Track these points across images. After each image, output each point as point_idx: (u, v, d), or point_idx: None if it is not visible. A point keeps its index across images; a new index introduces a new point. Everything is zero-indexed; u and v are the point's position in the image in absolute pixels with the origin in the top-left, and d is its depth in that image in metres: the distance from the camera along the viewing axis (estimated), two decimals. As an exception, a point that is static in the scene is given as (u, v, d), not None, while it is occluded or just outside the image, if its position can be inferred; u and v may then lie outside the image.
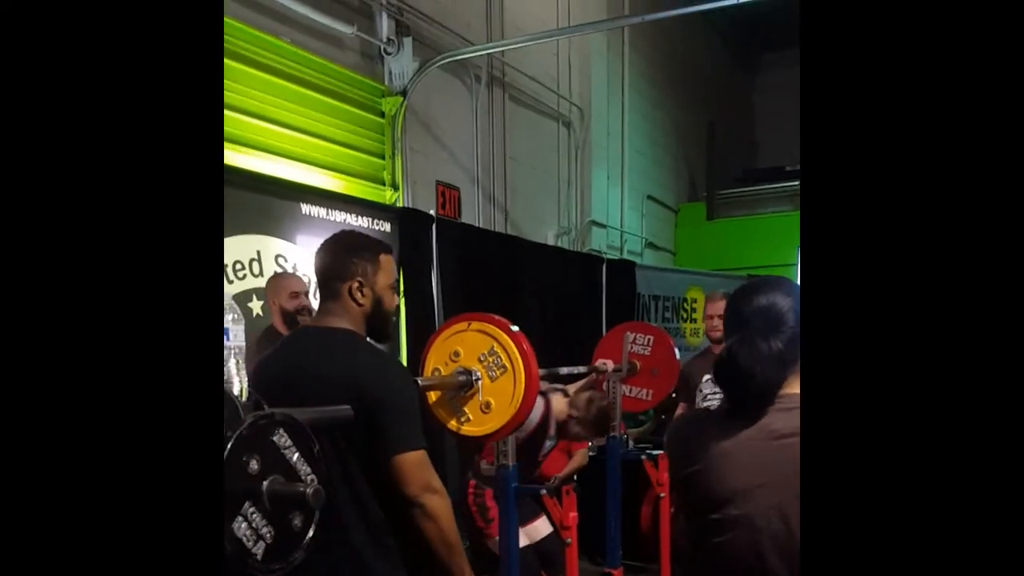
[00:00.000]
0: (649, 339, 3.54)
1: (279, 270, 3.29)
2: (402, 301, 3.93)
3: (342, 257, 1.72)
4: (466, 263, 4.22)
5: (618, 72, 6.58)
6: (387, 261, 1.76)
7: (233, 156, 3.26)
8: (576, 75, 5.91)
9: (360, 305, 1.72)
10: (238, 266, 3.18)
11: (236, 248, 3.16)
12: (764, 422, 1.21)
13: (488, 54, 4.83)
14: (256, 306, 3.21)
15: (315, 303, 2.56)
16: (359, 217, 3.66)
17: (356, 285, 1.71)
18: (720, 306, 3.49)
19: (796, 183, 6.28)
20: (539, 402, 3.08)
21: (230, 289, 3.10)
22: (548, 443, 3.18)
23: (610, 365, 3.27)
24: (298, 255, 3.39)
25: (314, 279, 1.83)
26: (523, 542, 2.91)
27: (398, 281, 1.79)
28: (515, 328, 2.43)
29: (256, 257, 3.26)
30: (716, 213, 7.53)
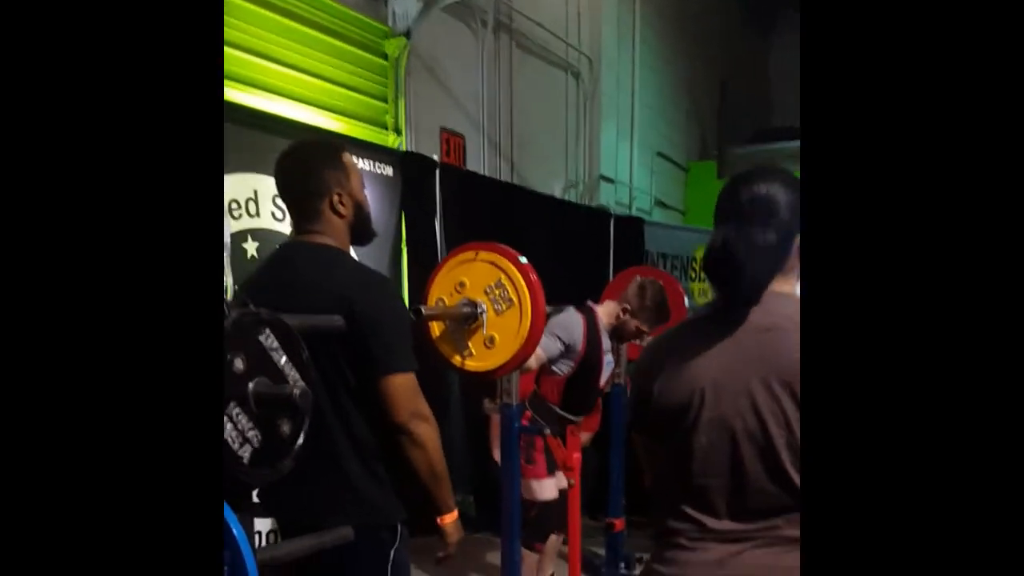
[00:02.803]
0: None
1: (276, 212, 3.20)
2: (404, 249, 3.85)
3: (313, 173, 1.63)
4: (470, 211, 4.11)
5: (629, 23, 6.41)
6: (349, 159, 1.68)
7: (232, 93, 3.16)
8: (586, 23, 5.75)
9: (342, 216, 1.65)
10: (234, 205, 3.09)
11: (233, 187, 3.06)
12: (746, 318, 1.15)
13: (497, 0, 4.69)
14: (251, 247, 3.12)
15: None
16: (360, 159, 3.55)
17: (336, 198, 1.63)
18: None
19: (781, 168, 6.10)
20: (575, 318, 2.95)
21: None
22: (607, 359, 3.02)
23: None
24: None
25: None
26: (552, 494, 2.79)
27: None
28: (523, 260, 2.34)
29: (253, 197, 3.17)
30: (728, 172, 7.39)
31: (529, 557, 2.91)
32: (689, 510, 1.17)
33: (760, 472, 1.11)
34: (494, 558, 3.52)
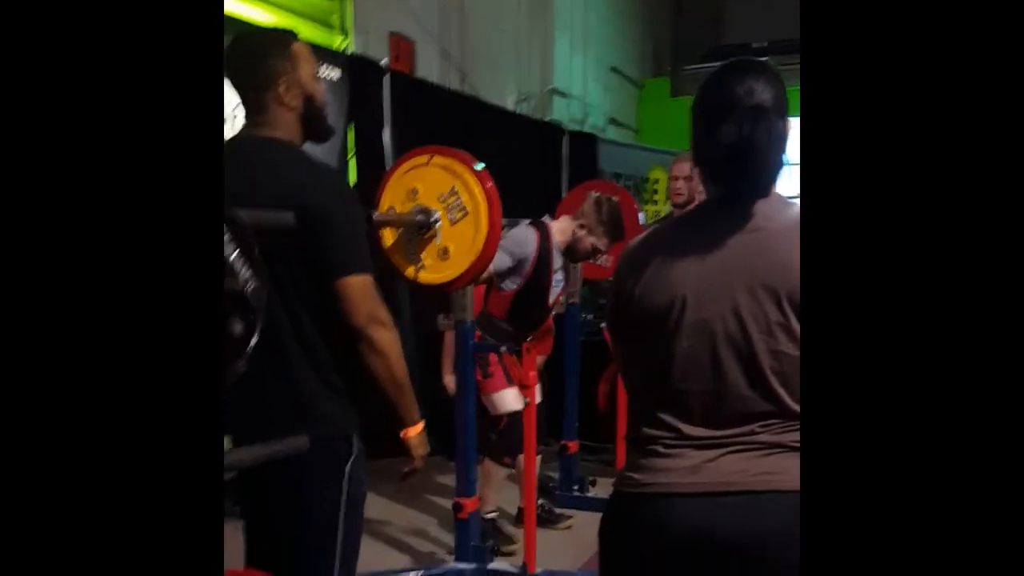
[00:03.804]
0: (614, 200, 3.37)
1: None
2: (352, 158, 3.69)
3: (255, 63, 1.52)
4: (420, 121, 3.95)
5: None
6: (300, 48, 1.56)
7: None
8: (541, -73, 5.49)
9: (291, 109, 1.54)
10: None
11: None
12: (745, 215, 1.13)
13: None
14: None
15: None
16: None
17: (283, 89, 1.52)
18: (687, 167, 3.31)
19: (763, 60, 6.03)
20: (529, 233, 2.86)
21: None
22: (556, 277, 2.94)
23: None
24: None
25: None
26: (517, 405, 2.73)
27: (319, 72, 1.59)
28: (480, 166, 2.23)
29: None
30: (681, 90, 7.28)
31: (499, 471, 2.89)
32: (666, 417, 1.14)
33: (739, 377, 1.09)
34: (445, 479, 3.53)
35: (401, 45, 4.25)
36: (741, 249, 1.11)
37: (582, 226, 2.90)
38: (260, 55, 1.53)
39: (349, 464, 1.53)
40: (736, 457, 1.10)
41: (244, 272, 1.16)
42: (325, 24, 3.69)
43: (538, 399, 2.89)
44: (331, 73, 3.47)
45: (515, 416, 2.75)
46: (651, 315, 1.14)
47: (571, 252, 2.95)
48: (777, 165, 1.13)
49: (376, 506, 3.11)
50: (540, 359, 3.20)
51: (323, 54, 3.47)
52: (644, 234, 1.29)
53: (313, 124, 1.58)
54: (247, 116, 1.56)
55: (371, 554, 2.40)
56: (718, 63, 1.20)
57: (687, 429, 1.13)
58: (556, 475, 3.41)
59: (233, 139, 1.59)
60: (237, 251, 1.15)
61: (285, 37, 1.58)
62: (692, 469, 1.12)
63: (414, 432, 1.62)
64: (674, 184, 3.39)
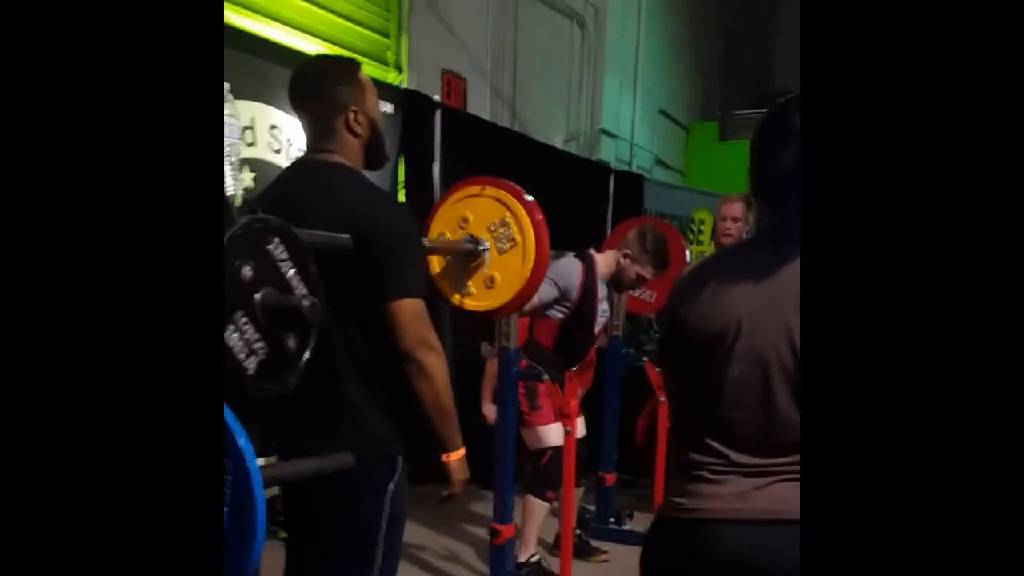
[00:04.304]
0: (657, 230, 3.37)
1: (273, 143, 3.11)
2: (401, 191, 3.76)
3: (326, 90, 1.56)
4: (469, 156, 4.01)
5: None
6: (365, 78, 1.61)
7: (231, 17, 3.04)
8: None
9: (357, 136, 1.58)
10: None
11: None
12: (800, 244, 1.11)
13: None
14: (247, 177, 3.03)
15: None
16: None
17: (352, 116, 1.56)
18: (737, 208, 3.31)
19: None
20: (574, 265, 2.89)
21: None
22: (602, 308, 2.97)
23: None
24: (294, 127, 3.19)
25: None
26: (562, 440, 2.71)
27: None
28: (529, 197, 2.27)
29: (251, 125, 3.06)
30: (729, 134, 7.29)
31: (541, 507, 2.86)
32: (713, 443, 1.13)
33: (790, 406, 1.08)
34: (479, 508, 3.52)
35: (453, 82, 4.36)
36: (794, 277, 1.07)
37: (626, 256, 2.92)
38: (330, 82, 1.57)
39: (393, 483, 1.55)
40: (784, 486, 1.09)
41: (300, 289, 1.21)
42: (381, 60, 3.81)
43: (582, 433, 2.89)
44: (386, 107, 3.57)
45: (559, 450, 2.74)
46: (703, 340, 1.14)
47: (616, 282, 2.97)
48: None
49: (411, 531, 3.11)
50: (580, 392, 3.20)
51: (378, 88, 3.58)
52: (699, 261, 1.30)
53: (373, 152, 1.62)
54: (313, 141, 1.60)
55: (406, 578, 2.41)
56: (765, 109, 1.20)
57: (735, 456, 1.11)
58: (592, 507, 3.38)
59: (299, 161, 1.65)
60: (294, 268, 1.20)
61: (352, 66, 1.62)
62: (739, 496, 1.10)
63: (456, 457, 1.63)
64: (722, 225, 3.38)
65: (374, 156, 1.63)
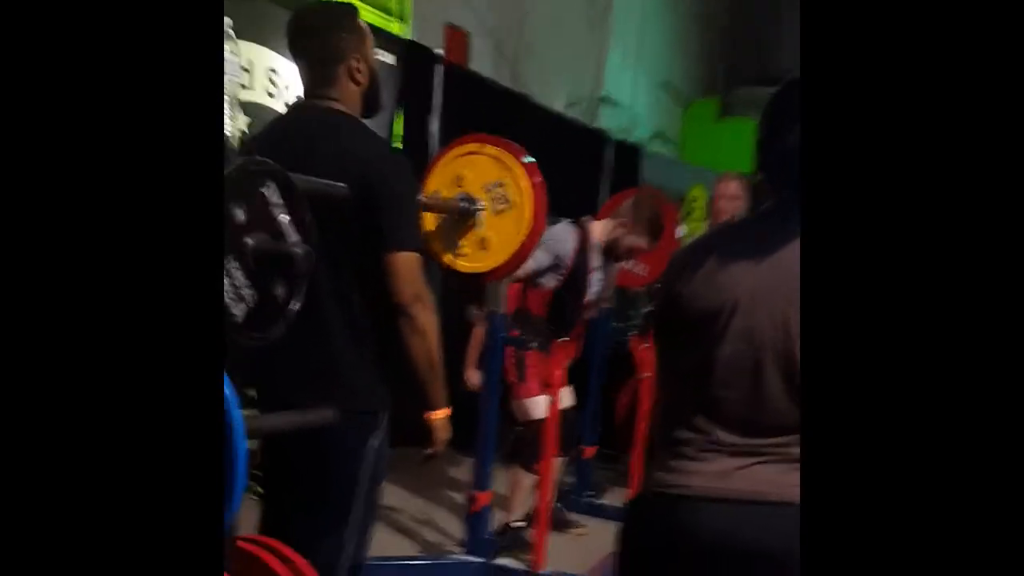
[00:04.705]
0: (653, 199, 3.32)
1: (270, 87, 3.02)
2: (398, 144, 3.70)
3: (326, 37, 1.55)
4: (468, 113, 3.95)
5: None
6: (364, 25, 1.60)
7: (229, -48, 2.92)
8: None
9: (359, 84, 1.57)
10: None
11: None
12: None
13: None
14: (242, 120, 2.95)
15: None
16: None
17: (354, 64, 1.55)
18: (734, 186, 3.28)
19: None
20: (569, 232, 2.85)
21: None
22: (595, 277, 2.95)
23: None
24: (293, 73, 3.10)
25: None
26: (543, 413, 2.65)
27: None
28: (529, 159, 2.22)
29: (248, 68, 2.98)
30: (730, 111, 7.22)
31: (527, 478, 2.83)
32: (700, 421, 1.13)
33: (780, 388, 1.08)
34: (457, 473, 3.52)
35: (456, 36, 4.26)
36: (794, 259, 1.07)
37: (622, 224, 2.89)
38: (330, 28, 1.55)
39: (375, 439, 1.53)
40: (768, 468, 1.09)
41: (293, 236, 1.17)
42: (384, 9, 3.71)
43: (570, 402, 2.87)
44: (387, 57, 3.49)
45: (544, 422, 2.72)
46: (698, 317, 1.13)
47: (611, 251, 2.94)
48: None
49: (389, 493, 3.10)
50: (567, 362, 3.18)
51: (380, 38, 3.50)
52: (700, 236, 1.27)
53: (371, 99, 1.61)
54: (312, 87, 1.57)
55: (381, 539, 2.40)
56: (770, 88, 1.18)
57: (721, 435, 1.11)
58: (571, 480, 3.39)
59: (298, 106, 1.60)
60: (289, 216, 1.15)
61: (352, 12, 1.60)
62: (722, 475, 1.10)
63: (441, 415, 1.62)
64: (719, 203, 3.35)
65: (371, 104, 1.61)
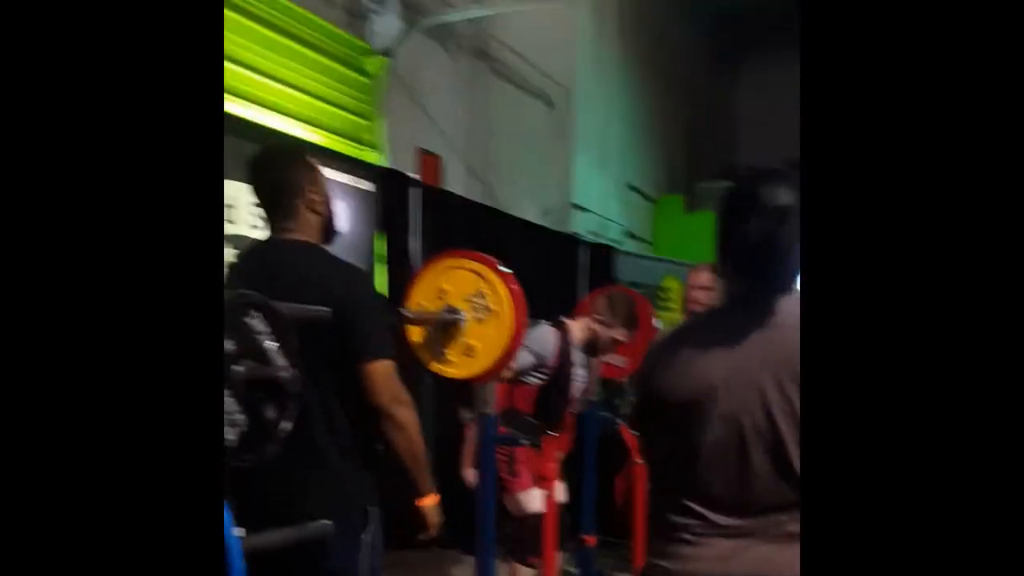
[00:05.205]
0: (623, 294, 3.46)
1: (252, 220, 3.19)
2: (380, 264, 3.84)
3: (285, 173, 1.70)
4: (447, 231, 4.13)
5: (602, 55, 6.55)
6: (313, 160, 1.75)
7: (212, 101, 3.13)
8: (560, 55, 5.86)
9: (318, 214, 1.71)
10: (213, 212, 3.06)
11: (212, 194, 3.04)
12: (767, 312, 1.16)
13: (475, 26, 4.76)
14: (229, 254, 3.08)
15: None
16: (341, 173, 3.56)
17: (312, 196, 1.69)
18: (705, 277, 3.42)
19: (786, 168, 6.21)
20: (550, 333, 2.98)
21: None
22: (578, 372, 3.06)
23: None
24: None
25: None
26: (537, 506, 2.72)
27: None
28: (505, 268, 2.35)
29: (233, 204, 3.15)
30: (695, 205, 7.51)
31: (523, 572, 2.87)
32: (693, 505, 1.16)
33: (768, 468, 1.12)
34: (460, 572, 3.48)
35: (429, 160, 4.50)
36: (767, 343, 1.13)
37: (597, 319, 3.01)
38: (288, 165, 1.71)
39: (368, 534, 1.61)
40: (766, 547, 1.12)
41: (280, 360, 1.26)
42: (358, 141, 3.94)
43: (563, 497, 2.91)
44: (367, 185, 3.69)
45: (540, 517, 2.75)
46: (678, 406, 1.17)
47: (591, 347, 3.05)
48: (798, 264, 1.15)
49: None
50: (559, 455, 3.23)
51: (358, 167, 3.70)
52: (673, 329, 1.35)
53: (329, 228, 1.76)
54: (276, 221, 1.71)
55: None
56: (728, 181, 1.26)
57: (715, 517, 1.14)
58: (573, 570, 3.37)
59: (267, 241, 1.74)
60: (274, 342, 1.25)
61: (304, 148, 1.79)
62: (721, 558, 1.13)
63: (429, 502, 1.74)
64: (692, 293, 3.47)
65: (329, 232, 1.76)
